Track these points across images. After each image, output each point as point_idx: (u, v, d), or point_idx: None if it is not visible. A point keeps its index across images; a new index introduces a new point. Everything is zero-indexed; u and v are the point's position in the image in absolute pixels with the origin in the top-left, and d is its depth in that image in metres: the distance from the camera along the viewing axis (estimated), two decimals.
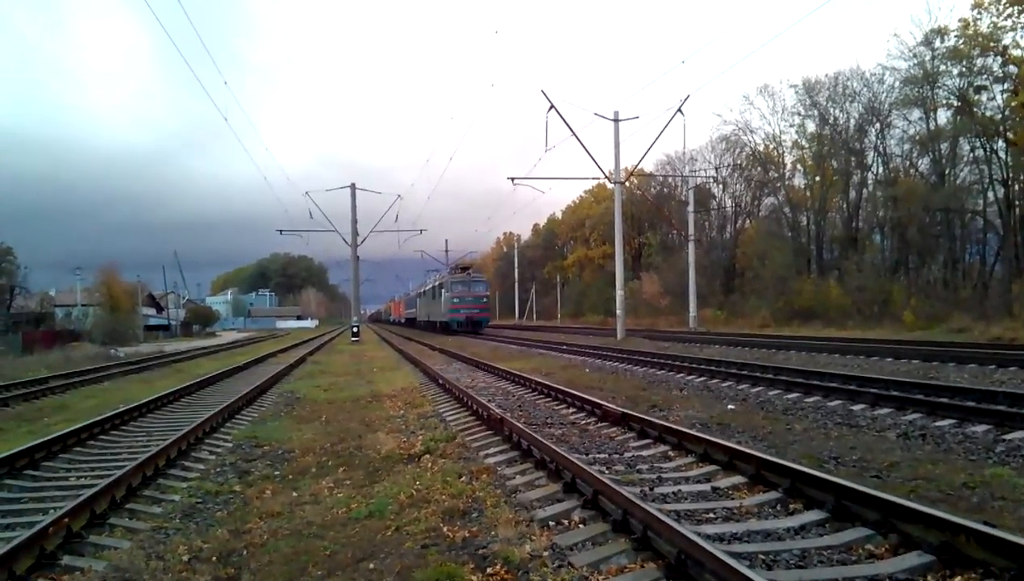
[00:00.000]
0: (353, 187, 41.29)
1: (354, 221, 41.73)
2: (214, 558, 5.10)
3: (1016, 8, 31.26)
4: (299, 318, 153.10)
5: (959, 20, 34.34)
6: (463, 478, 6.84)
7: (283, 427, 10.89)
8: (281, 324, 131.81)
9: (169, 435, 9.23)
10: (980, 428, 8.03)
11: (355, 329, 43.20)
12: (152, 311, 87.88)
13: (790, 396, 11.13)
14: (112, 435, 10.21)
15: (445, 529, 5.34)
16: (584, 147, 30.35)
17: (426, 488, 6.55)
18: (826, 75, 44.59)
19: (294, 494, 6.88)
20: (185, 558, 5.11)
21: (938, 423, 8.47)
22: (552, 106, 28.61)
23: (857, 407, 9.78)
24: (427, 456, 8.03)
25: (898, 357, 16.49)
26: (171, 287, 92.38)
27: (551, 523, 5.35)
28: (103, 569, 4.90)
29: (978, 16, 33.03)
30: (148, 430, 10.67)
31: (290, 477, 7.64)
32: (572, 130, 29.53)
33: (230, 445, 9.47)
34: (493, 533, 5.19)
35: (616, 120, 30.97)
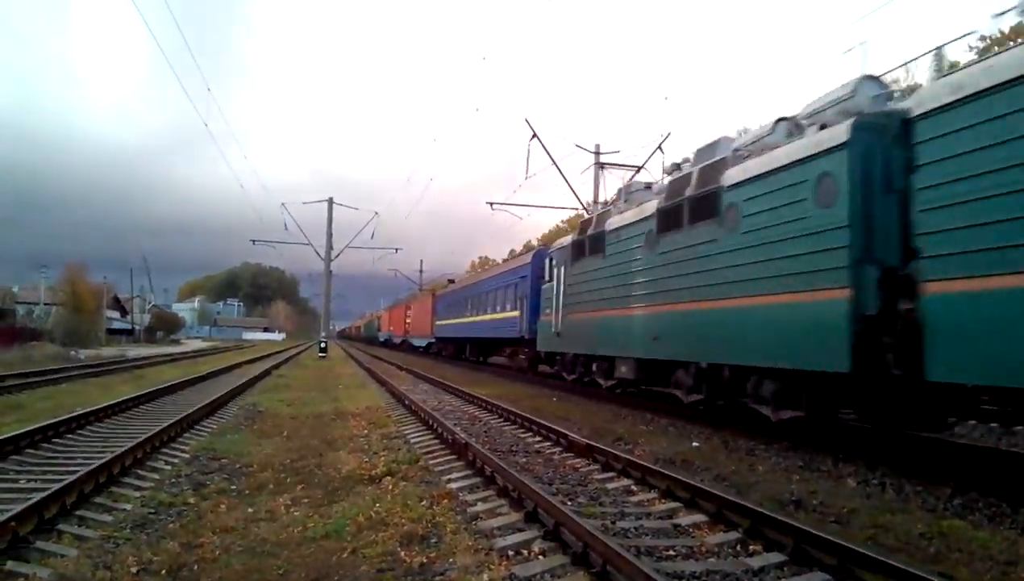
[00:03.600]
0: (331, 201, 41.15)
1: (329, 235, 41.54)
2: (163, 571, 4.97)
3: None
4: (266, 330, 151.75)
5: (935, 71, 35.26)
6: (424, 502, 6.76)
7: (243, 440, 10.70)
8: (248, 335, 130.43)
9: (125, 442, 9.02)
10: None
11: (323, 345, 42.82)
12: (116, 314, 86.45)
13: (754, 437, 11.17)
14: (67, 439, 9.97)
15: (402, 553, 5.26)
16: (564, 177, 30.43)
17: (385, 511, 6.45)
18: None
19: (249, 510, 6.74)
20: (134, 569, 4.97)
21: (898, 472, 8.54)
22: (535, 134, 28.74)
23: (819, 452, 9.83)
24: (388, 478, 7.93)
25: None
26: (138, 291, 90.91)
27: (510, 552, 5.30)
28: (47, 576, 4.74)
29: None
30: (104, 436, 10.44)
31: (247, 492, 7.49)
32: (553, 159, 29.62)
33: (187, 456, 9.28)
34: (451, 560, 5.13)
35: (597, 152, 31.22)
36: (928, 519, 6.43)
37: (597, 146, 31.55)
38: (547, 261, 20.65)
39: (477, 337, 32.40)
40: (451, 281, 38.08)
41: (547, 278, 20.45)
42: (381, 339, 74.50)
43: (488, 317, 30.13)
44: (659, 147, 29.16)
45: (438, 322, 40.67)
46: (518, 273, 26.86)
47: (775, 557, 5.16)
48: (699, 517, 6.31)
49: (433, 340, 43.36)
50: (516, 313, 25.80)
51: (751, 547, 5.47)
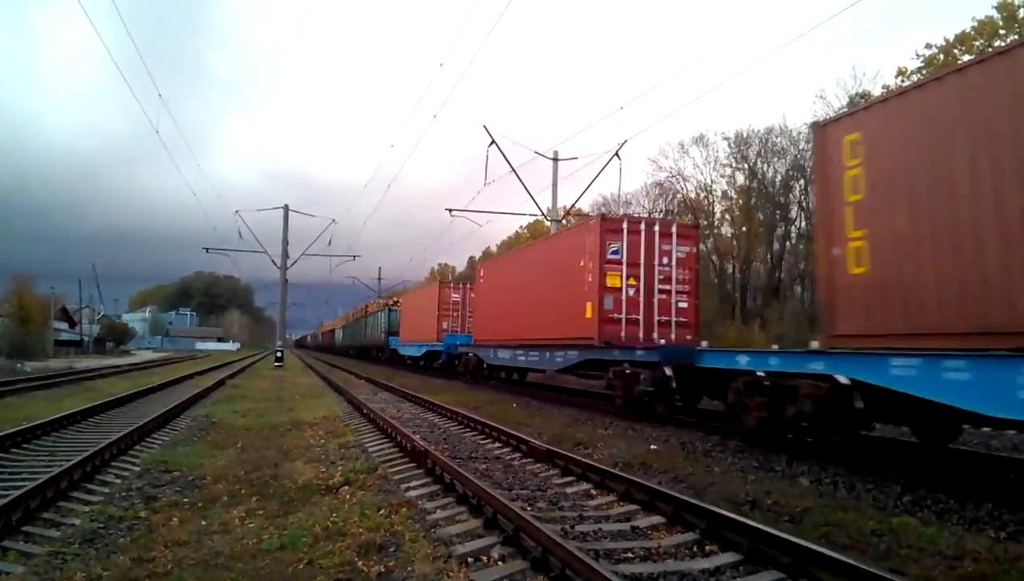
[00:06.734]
0: (286, 208, 40.62)
1: (285, 243, 41.02)
2: None
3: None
4: (220, 340, 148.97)
5: (883, 87, 36.24)
6: (382, 511, 6.70)
7: (196, 452, 10.48)
8: (201, 345, 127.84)
9: (73, 456, 8.78)
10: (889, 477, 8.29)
11: (279, 354, 42.23)
12: (64, 325, 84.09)
13: (711, 439, 11.32)
14: (11, 453, 9.66)
15: (360, 563, 5.20)
16: (523, 184, 30.53)
17: (343, 520, 6.38)
18: (756, 130, 46.41)
19: (203, 523, 6.61)
20: None
21: (850, 471, 8.72)
22: (493, 141, 28.83)
23: (774, 452, 10.00)
24: (346, 487, 7.84)
25: None
26: (87, 301, 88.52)
27: (470, 559, 5.28)
28: None
29: (902, 82, 34.88)
30: (51, 449, 10.13)
31: (200, 505, 7.33)
32: (512, 166, 29.74)
33: (138, 469, 9.06)
34: (410, 569, 5.09)
35: (555, 159, 31.39)
36: (879, 516, 6.58)
37: (555, 153, 31.75)
38: None
39: None
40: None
41: None
42: (405, 354, 38.08)
43: None
44: (616, 153, 29.46)
45: None
46: None
47: (730, 557, 5.23)
48: (657, 519, 6.36)
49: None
50: None
51: (707, 547, 5.54)
